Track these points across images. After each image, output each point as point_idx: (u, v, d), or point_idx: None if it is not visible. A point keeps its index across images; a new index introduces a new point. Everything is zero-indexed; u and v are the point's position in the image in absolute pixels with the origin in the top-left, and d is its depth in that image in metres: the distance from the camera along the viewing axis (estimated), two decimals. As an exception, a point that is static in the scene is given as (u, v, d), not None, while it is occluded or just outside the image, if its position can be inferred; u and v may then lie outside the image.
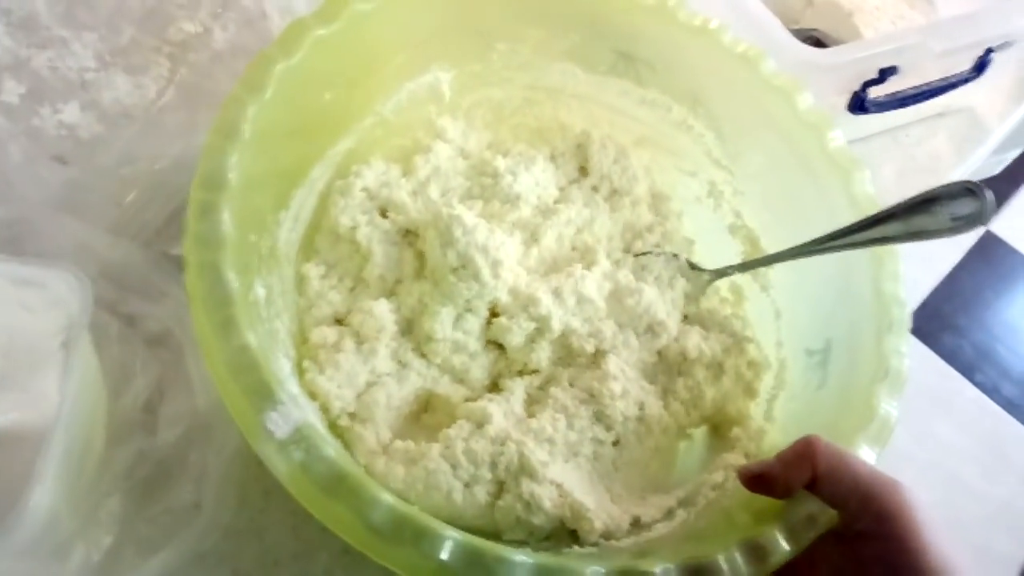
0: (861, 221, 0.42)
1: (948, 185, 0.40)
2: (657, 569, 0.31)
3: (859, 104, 0.58)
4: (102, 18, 0.49)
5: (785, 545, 0.33)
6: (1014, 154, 1.00)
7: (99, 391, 0.40)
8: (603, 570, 0.31)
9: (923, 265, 1.78)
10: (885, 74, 0.55)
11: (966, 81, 0.63)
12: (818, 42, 0.68)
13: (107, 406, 0.41)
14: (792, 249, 0.45)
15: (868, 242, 0.42)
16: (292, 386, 0.38)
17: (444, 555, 0.30)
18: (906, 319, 0.40)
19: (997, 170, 1.01)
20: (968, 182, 0.39)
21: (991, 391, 1.58)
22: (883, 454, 0.37)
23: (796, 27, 0.70)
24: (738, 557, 0.32)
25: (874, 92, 0.58)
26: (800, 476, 0.34)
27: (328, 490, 0.30)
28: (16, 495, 0.32)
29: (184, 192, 0.34)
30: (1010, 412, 1.56)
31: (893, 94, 0.60)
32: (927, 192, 0.40)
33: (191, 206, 0.35)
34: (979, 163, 0.75)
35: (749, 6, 0.52)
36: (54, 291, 0.37)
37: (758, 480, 0.35)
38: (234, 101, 0.37)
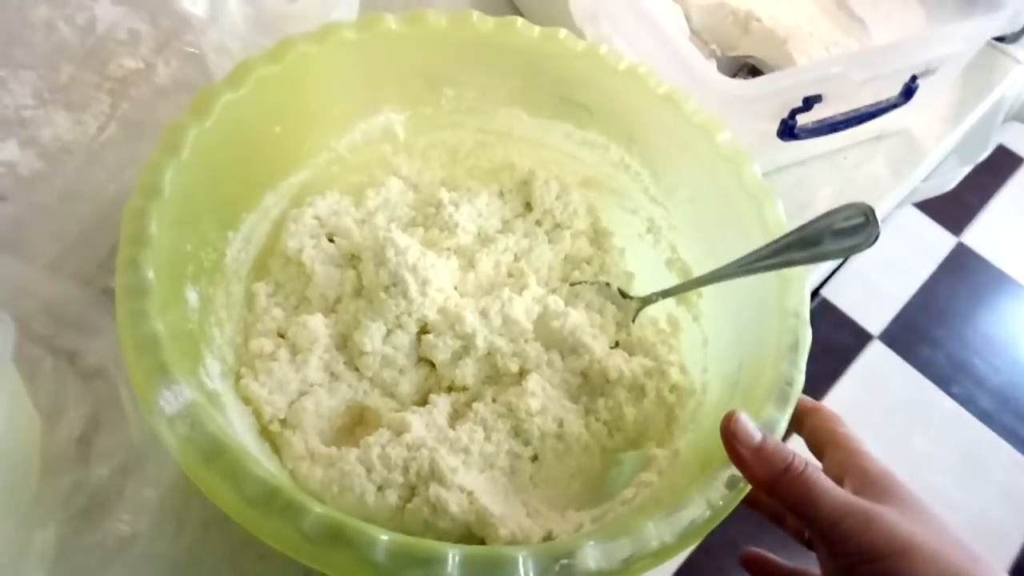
0: (766, 246, 0.43)
1: (840, 209, 0.41)
2: (517, 555, 0.32)
3: (788, 131, 0.59)
4: (40, 56, 0.52)
5: (654, 543, 0.34)
6: (966, 170, 1.00)
7: (30, 426, 0.41)
8: (461, 552, 0.32)
9: (898, 278, 1.80)
10: (810, 102, 0.57)
11: (895, 106, 0.65)
12: (754, 69, 0.71)
13: (40, 439, 0.42)
14: (704, 276, 0.46)
15: (773, 266, 0.43)
16: (220, 385, 0.42)
17: (307, 527, 0.31)
18: (806, 337, 0.41)
19: (949, 187, 1.02)
20: (859, 204, 0.41)
21: (967, 402, 1.61)
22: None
23: (733, 54, 0.73)
24: (591, 549, 0.33)
25: (803, 119, 0.59)
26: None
27: (207, 462, 0.33)
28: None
29: None
30: (986, 423, 1.58)
31: (822, 120, 0.62)
32: (822, 216, 0.42)
33: (124, 213, 0.39)
34: (915, 184, 0.76)
35: (677, 45, 0.55)
36: None
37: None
38: (177, 126, 0.42)
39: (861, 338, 1.70)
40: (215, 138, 0.43)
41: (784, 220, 0.45)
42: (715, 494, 0.35)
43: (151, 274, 0.37)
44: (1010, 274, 1.84)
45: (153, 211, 0.39)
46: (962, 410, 1.60)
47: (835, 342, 1.69)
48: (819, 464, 0.36)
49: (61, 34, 0.56)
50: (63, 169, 0.54)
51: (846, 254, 0.41)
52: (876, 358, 1.66)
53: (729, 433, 0.36)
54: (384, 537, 0.32)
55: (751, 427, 0.36)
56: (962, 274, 1.85)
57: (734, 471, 0.36)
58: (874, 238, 0.40)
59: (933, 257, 1.88)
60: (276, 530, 0.32)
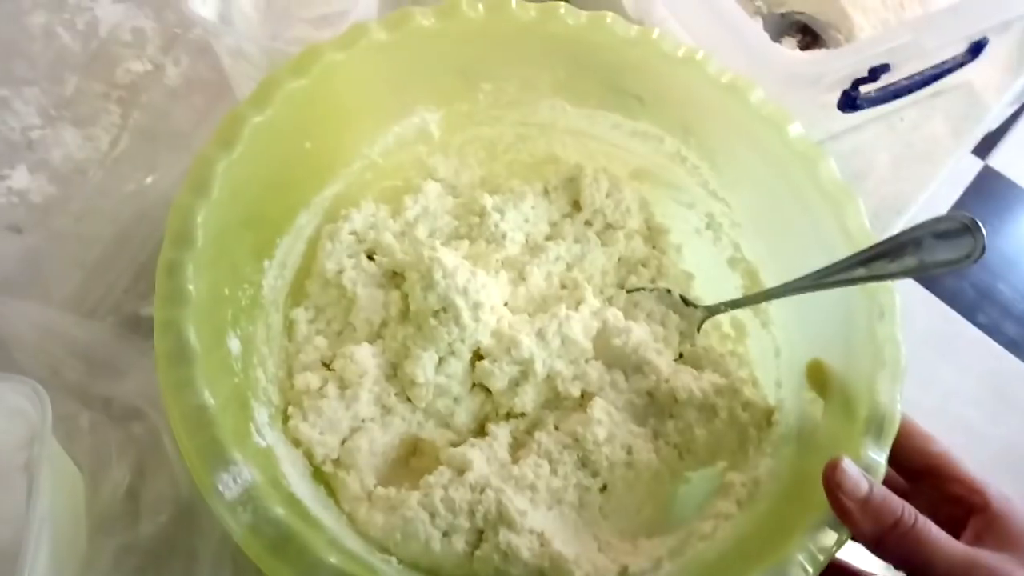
0: (851, 257, 0.40)
1: (941, 219, 0.37)
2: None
3: (850, 103, 0.55)
4: (42, 70, 0.48)
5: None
6: (1014, 108, 0.94)
7: (75, 493, 0.39)
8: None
9: (922, 206, 1.73)
10: (877, 72, 0.52)
11: (961, 65, 0.60)
12: (805, 27, 0.66)
13: (86, 502, 0.40)
14: (781, 286, 0.43)
15: (859, 279, 0.39)
16: (269, 435, 0.39)
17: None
18: (901, 360, 0.38)
19: (995, 126, 0.96)
20: (963, 216, 0.37)
21: (993, 331, 1.57)
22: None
23: (781, 11, 0.67)
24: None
25: (865, 88, 0.55)
26: None
27: (275, 551, 0.30)
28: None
29: (150, 243, 0.35)
30: (1012, 351, 1.55)
31: (885, 87, 0.57)
32: (916, 226, 0.38)
33: (159, 266, 0.36)
34: (976, 142, 0.71)
35: (733, 19, 0.50)
36: (13, 402, 0.36)
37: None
38: (203, 159, 0.38)
39: (884, 271, 1.66)
40: (244, 167, 0.39)
41: (868, 226, 0.42)
42: (816, 548, 0.33)
43: (192, 336, 0.34)
44: (1035, 194, 1.78)
45: (187, 263, 0.35)
46: (988, 339, 1.57)
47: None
48: (925, 518, 0.33)
49: (62, 41, 0.51)
50: (78, 191, 0.50)
51: (946, 269, 0.37)
52: (900, 291, 1.63)
53: (833, 483, 0.33)
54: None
55: (857, 476, 0.33)
56: (987, 198, 1.79)
57: (833, 521, 0.34)
58: (979, 252, 0.36)
59: (958, 182, 1.81)
60: (354, 620, 0.30)
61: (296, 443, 0.42)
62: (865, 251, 0.39)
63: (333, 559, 0.30)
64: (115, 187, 0.52)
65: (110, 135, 0.52)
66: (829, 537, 0.33)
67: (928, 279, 1.62)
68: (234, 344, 0.39)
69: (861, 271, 0.40)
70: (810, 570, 0.32)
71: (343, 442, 0.43)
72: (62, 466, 0.37)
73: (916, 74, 0.60)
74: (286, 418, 0.43)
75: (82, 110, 0.51)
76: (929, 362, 1.56)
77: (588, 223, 0.52)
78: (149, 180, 0.53)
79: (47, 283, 0.48)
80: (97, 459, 0.42)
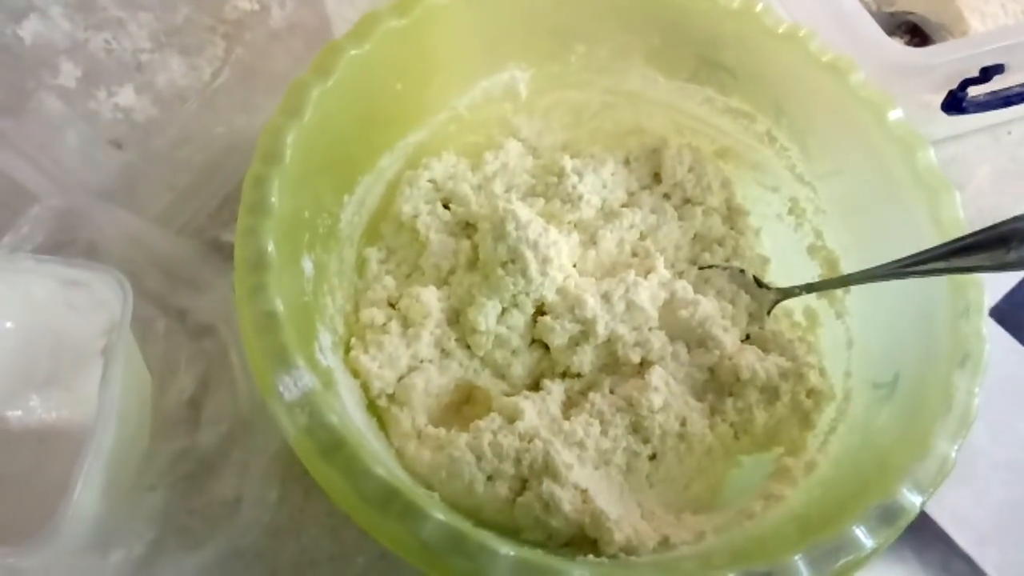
0: (939, 247, 0.38)
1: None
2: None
3: (956, 104, 0.52)
4: None
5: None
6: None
7: (144, 390, 0.41)
8: (586, 570, 0.30)
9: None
10: (989, 73, 0.50)
11: (1085, 77, 0.56)
12: (915, 27, 0.63)
13: (152, 402, 0.42)
14: (862, 272, 0.41)
15: (946, 270, 0.38)
16: (331, 358, 0.40)
17: (426, 533, 0.30)
18: (982, 355, 0.36)
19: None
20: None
21: (1081, 386, 1.47)
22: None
23: (891, 9, 0.64)
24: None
25: (974, 91, 0.52)
26: None
27: (326, 455, 0.31)
28: (60, 491, 0.32)
29: (237, 176, 0.36)
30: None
31: (995, 92, 0.54)
32: (1016, 217, 0.36)
33: (247, 179, 0.37)
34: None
35: (839, 2, 0.49)
36: (99, 292, 0.38)
37: None
38: (299, 84, 0.39)
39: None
40: (337, 97, 0.40)
41: (962, 217, 0.40)
42: (873, 528, 0.32)
43: (271, 246, 0.35)
44: None
45: (274, 178, 0.37)
46: (1075, 394, 1.48)
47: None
48: None
49: (178, -29, 0.53)
50: (177, 116, 0.52)
51: (1043, 266, 0.35)
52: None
53: None
54: (506, 552, 0.30)
55: None
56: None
57: (894, 500, 0.32)
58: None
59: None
60: (393, 532, 0.30)
61: (355, 373, 0.43)
62: (958, 240, 0.38)
63: (380, 470, 0.31)
64: (211, 119, 0.54)
65: (212, 67, 0.54)
66: (883, 525, 0.32)
67: (1012, 324, 1.54)
68: (307, 266, 0.40)
69: (947, 263, 0.38)
70: (863, 552, 0.31)
71: (400, 379, 0.44)
72: (135, 361, 0.39)
73: (1031, 82, 0.57)
74: (347, 349, 0.44)
75: (189, 40, 0.53)
76: (1005, 411, 1.48)
77: (667, 196, 0.51)
78: (242, 117, 0.55)
79: (140, 199, 0.50)
80: (167, 365, 0.44)
